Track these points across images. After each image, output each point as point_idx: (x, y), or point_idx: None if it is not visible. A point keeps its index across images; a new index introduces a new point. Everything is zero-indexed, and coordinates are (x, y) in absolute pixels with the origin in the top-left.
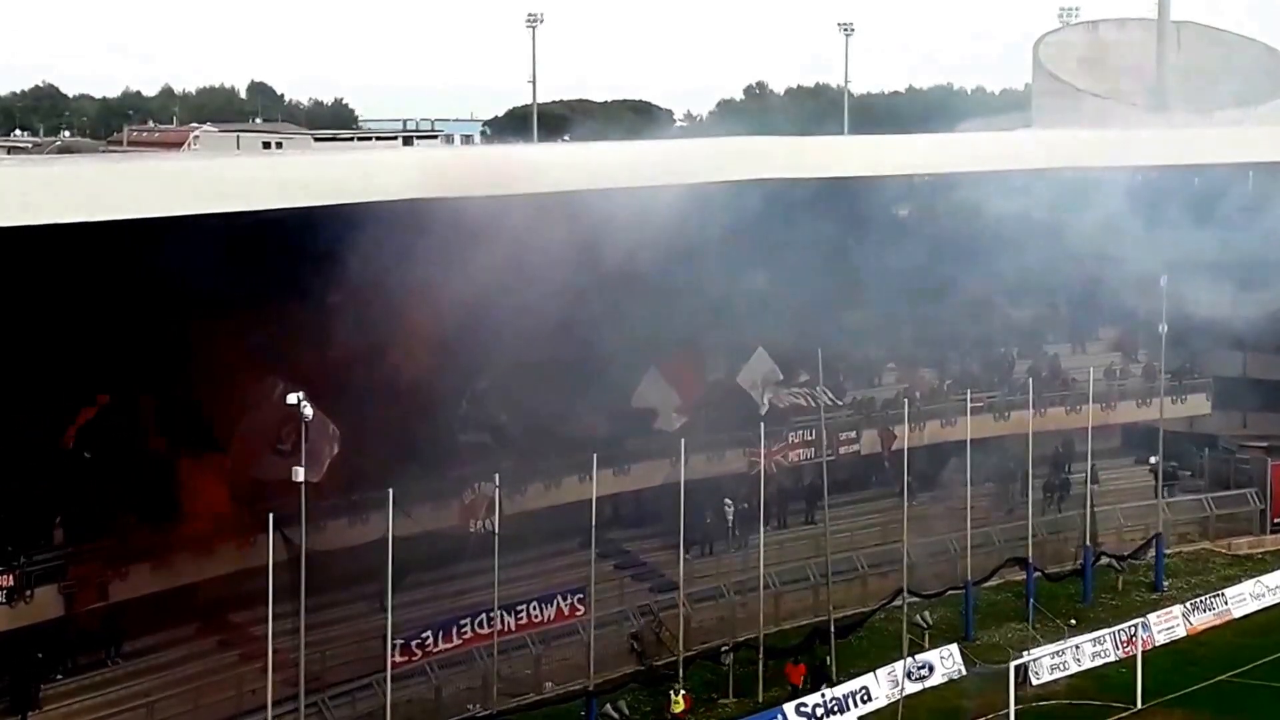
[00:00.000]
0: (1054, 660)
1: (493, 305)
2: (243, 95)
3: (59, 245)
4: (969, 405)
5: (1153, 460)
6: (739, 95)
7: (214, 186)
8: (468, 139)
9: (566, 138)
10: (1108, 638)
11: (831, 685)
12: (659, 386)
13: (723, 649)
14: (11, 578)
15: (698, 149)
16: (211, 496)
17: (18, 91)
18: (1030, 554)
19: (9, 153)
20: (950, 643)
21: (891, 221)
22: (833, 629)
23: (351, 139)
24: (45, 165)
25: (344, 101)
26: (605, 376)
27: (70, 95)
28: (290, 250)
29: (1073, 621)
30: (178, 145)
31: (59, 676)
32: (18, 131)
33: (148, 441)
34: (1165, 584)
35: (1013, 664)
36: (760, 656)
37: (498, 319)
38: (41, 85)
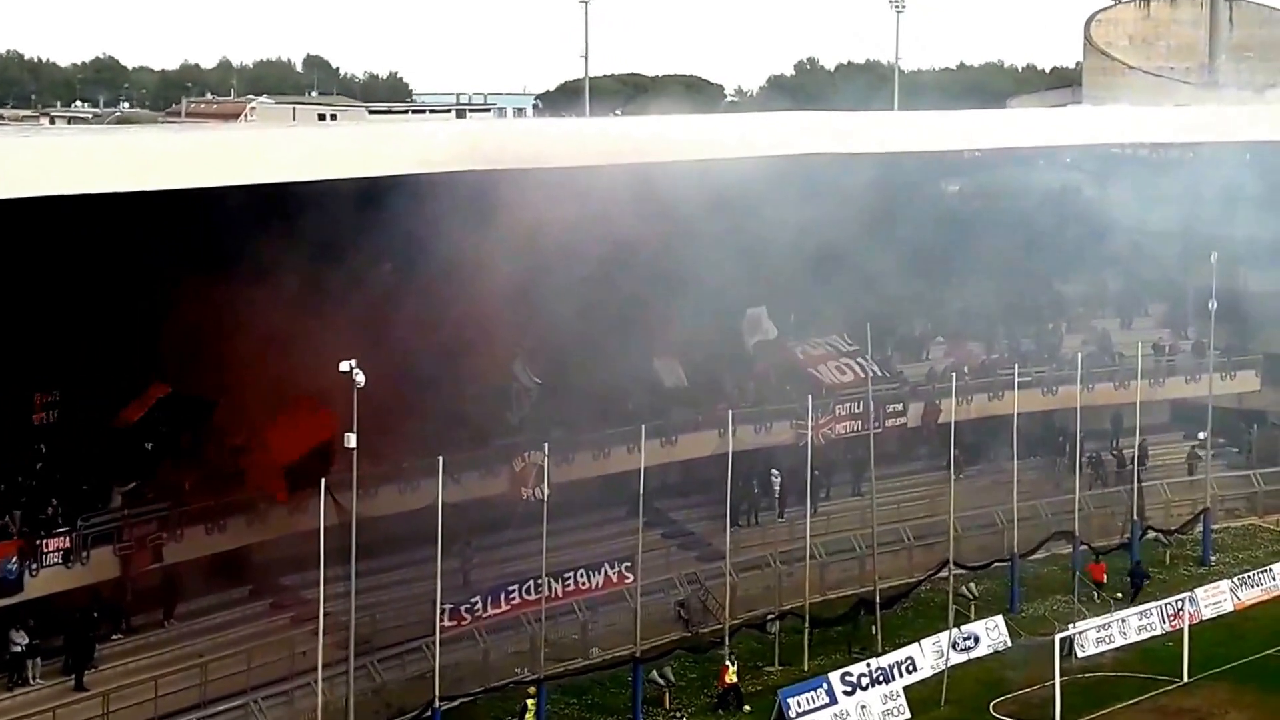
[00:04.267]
0: (1099, 633)
1: (546, 276)
2: (299, 68)
3: (109, 218)
4: (1017, 380)
5: (1201, 436)
6: (789, 70)
7: (268, 157)
8: (520, 112)
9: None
10: (1154, 611)
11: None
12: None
13: (768, 618)
14: (69, 539)
15: (748, 124)
16: (265, 460)
17: (78, 63)
18: (1076, 528)
19: (69, 123)
20: (996, 615)
21: (941, 197)
22: (878, 600)
23: (405, 112)
24: (103, 135)
25: (398, 75)
26: (655, 347)
27: (129, 67)
28: (341, 220)
29: (1118, 595)
30: (234, 117)
31: (115, 636)
32: (78, 103)
33: (210, 421)
34: (1213, 559)
35: (1058, 636)
36: (806, 626)
37: (550, 290)
38: (101, 57)
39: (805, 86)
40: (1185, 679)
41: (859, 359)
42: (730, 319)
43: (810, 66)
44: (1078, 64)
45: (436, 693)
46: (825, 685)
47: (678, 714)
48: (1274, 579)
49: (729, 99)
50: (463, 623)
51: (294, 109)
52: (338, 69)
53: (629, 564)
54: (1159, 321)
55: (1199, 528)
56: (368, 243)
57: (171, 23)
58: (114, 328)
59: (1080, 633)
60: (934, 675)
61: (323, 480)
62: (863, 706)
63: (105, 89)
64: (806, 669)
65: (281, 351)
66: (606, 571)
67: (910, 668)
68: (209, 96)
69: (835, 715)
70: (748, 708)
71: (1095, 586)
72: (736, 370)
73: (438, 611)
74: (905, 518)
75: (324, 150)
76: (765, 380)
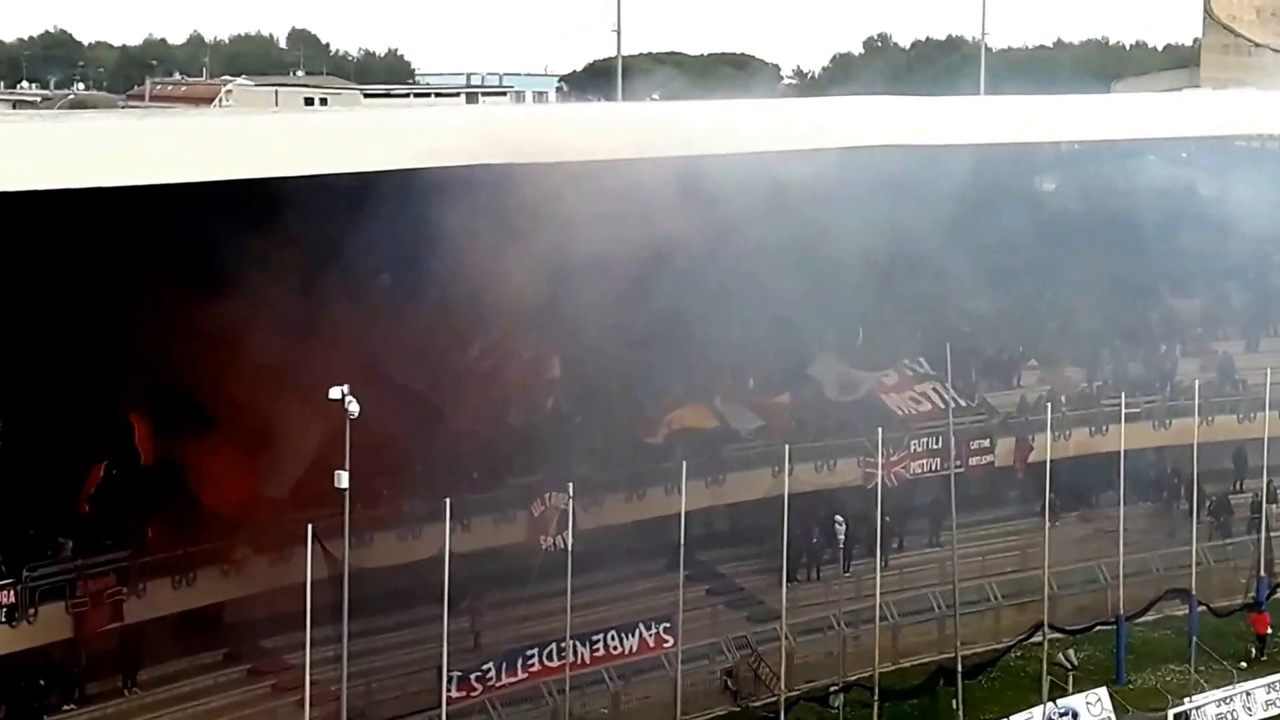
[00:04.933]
0: (1220, 709)
1: (572, 290)
2: (282, 44)
3: (59, 220)
4: (1123, 411)
5: None
6: (857, 49)
7: (248, 148)
8: (541, 96)
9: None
10: None
11: None
12: None
13: (831, 689)
14: (13, 594)
15: (805, 110)
16: (242, 502)
17: (25, 38)
18: (1193, 585)
19: (14, 107)
20: (1098, 686)
21: (1035, 196)
22: (960, 668)
23: (406, 95)
24: (56, 122)
25: (399, 52)
26: (696, 371)
27: (85, 43)
28: (332, 223)
29: (1242, 664)
30: (207, 101)
31: (67, 707)
32: (25, 84)
33: (171, 445)
34: None
35: (1171, 712)
36: (875, 699)
37: (577, 306)
38: (53, 31)
39: (875, 67)
40: None
41: (938, 386)
42: (788, 336)
43: (881, 44)
44: (1195, 41)
45: None
46: None
47: None
48: None
49: (786, 81)
50: (473, 693)
51: (276, 92)
52: (327, 45)
53: (668, 625)
54: None
55: None
56: (362, 250)
57: None
58: (65, 345)
59: (1198, 708)
60: None
61: (309, 526)
62: None
63: (57, 68)
64: None
65: (261, 376)
66: (641, 634)
67: None
68: (177, 77)
69: None
70: None
71: (1255, 642)
72: (797, 396)
73: (444, 680)
74: (992, 572)
75: (311, 141)
76: (828, 409)
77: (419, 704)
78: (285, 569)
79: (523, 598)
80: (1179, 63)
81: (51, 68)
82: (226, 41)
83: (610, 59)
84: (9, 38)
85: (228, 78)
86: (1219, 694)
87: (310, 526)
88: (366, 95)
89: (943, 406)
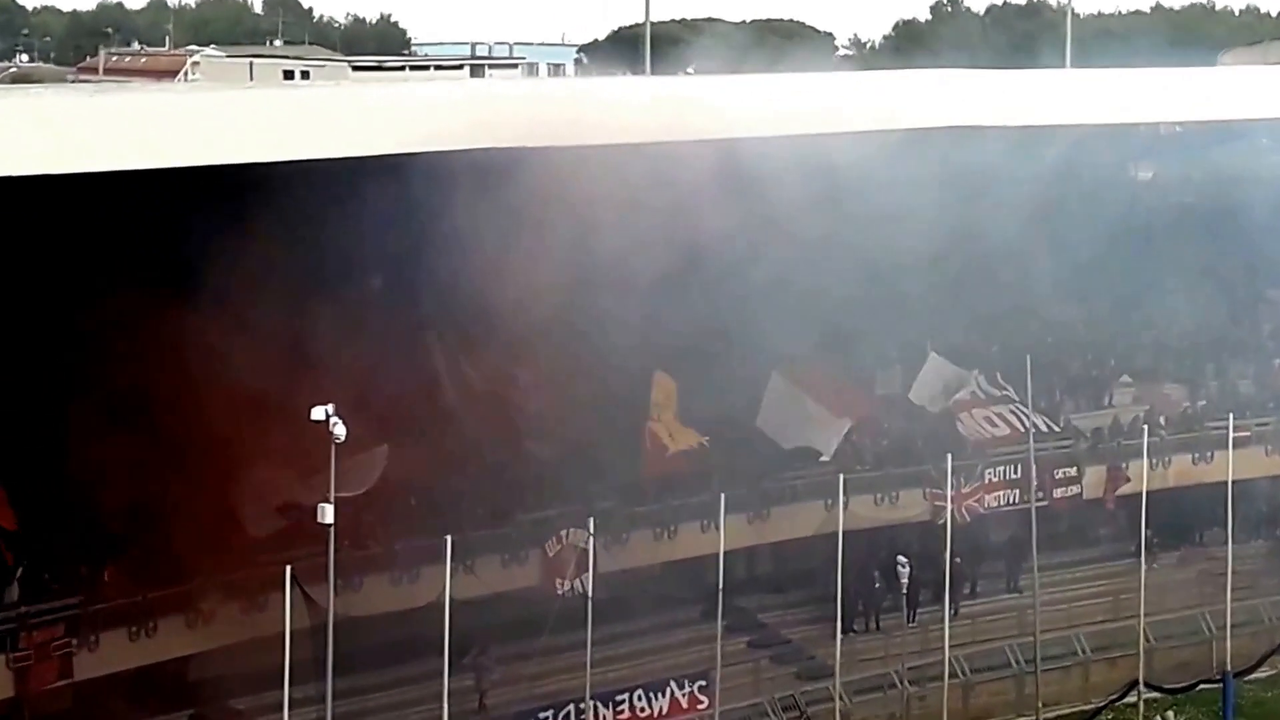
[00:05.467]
0: None
1: (588, 294)
2: (257, 9)
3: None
4: (1231, 435)
5: None
6: (922, 14)
7: (217, 130)
8: (557, 69)
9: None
10: None
11: None
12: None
13: None
14: None
15: (863, 86)
16: (210, 541)
17: None
18: None
19: None
20: None
21: (1129, 187)
22: None
23: (401, 68)
24: None
25: (392, 19)
26: (735, 386)
27: (29, 7)
28: (315, 219)
29: None
30: (171, 75)
31: None
32: None
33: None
34: None
35: None
36: None
37: (595, 313)
38: None
39: (944, 36)
40: None
41: (1016, 407)
42: (843, 349)
43: (950, 9)
44: None
45: None
46: None
47: None
48: None
49: (842, 52)
50: None
51: (251, 64)
52: (310, 10)
53: (704, 683)
54: None
55: None
56: (350, 250)
57: None
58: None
59: None
60: None
61: (288, 568)
62: None
63: None
64: None
65: (232, 395)
66: (673, 693)
67: None
68: (136, 47)
69: None
70: None
71: None
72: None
73: None
74: (1079, 622)
75: (290, 122)
76: (889, 433)
77: None
78: (260, 618)
79: (535, 651)
80: None
81: None
82: (193, 6)
83: (637, 26)
84: None
85: (194, 48)
86: None
87: (289, 568)
88: (355, 68)
89: (1022, 430)
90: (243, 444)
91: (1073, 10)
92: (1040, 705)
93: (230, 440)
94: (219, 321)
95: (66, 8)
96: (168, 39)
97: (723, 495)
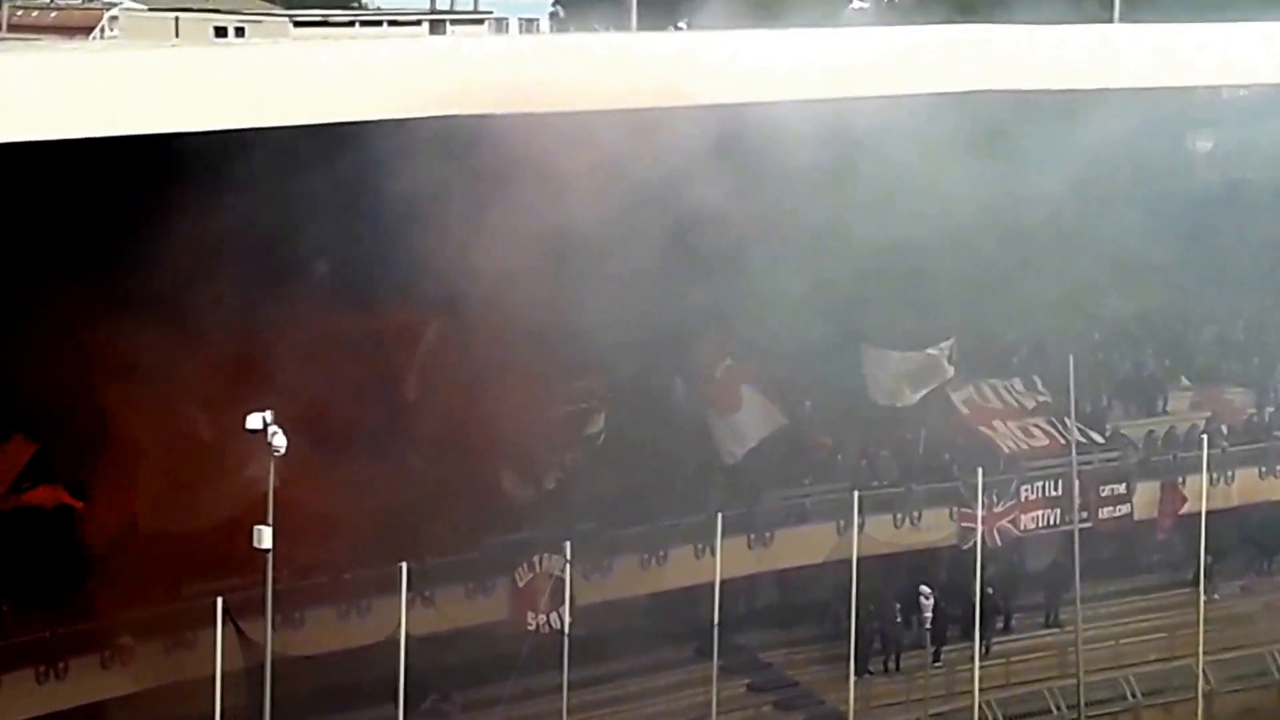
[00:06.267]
0: None
1: (572, 279)
2: None
3: None
4: None
5: None
6: None
7: (138, 95)
8: (530, 25)
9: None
10: None
11: None
12: None
13: None
14: None
15: (881, 43)
16: (128, 568)
17: None
18: None
19: None
20: None
21: (1186, 160)
22: None
23: (350, 24)
24: None
25: None
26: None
27: None
28: (251, 197)
29: None
30: (85, 33)
31: None
32: None
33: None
34: None
35: None
36: None
37: (573, 304)
38: None
39: None
40: None
41: (1056, 416)
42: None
43: None
44: None
45: None
46: None
47: None
48: None
49: (856, 5)
50: None
51: (177, 20)
52: None
53: None
54: None
55: None
56: (291, 233)
57: None
58: None
59: None
60: None
61: (218, 600)
62: None
63: None
64: None
65: (154, 400)
66: None
67: None
68: (45, 0)
69: None
70: None
71: None
72: (861, 422)
73: None
74: (1128, 661)
75: (222, 85)
76: (911, 443)
77: None
78: (187, 658)
79: (504, 696)
80: None
81: None
82: None
83: None
84: None
85: (111, 1)
86: None
87: (220, 600)
88: (296, 24)
89: (1064, 441)
90: (168, 454)
91: None
92: None
93: (154, 450)
94: (137, 316)
95: None
96: None
97: (719, 515)
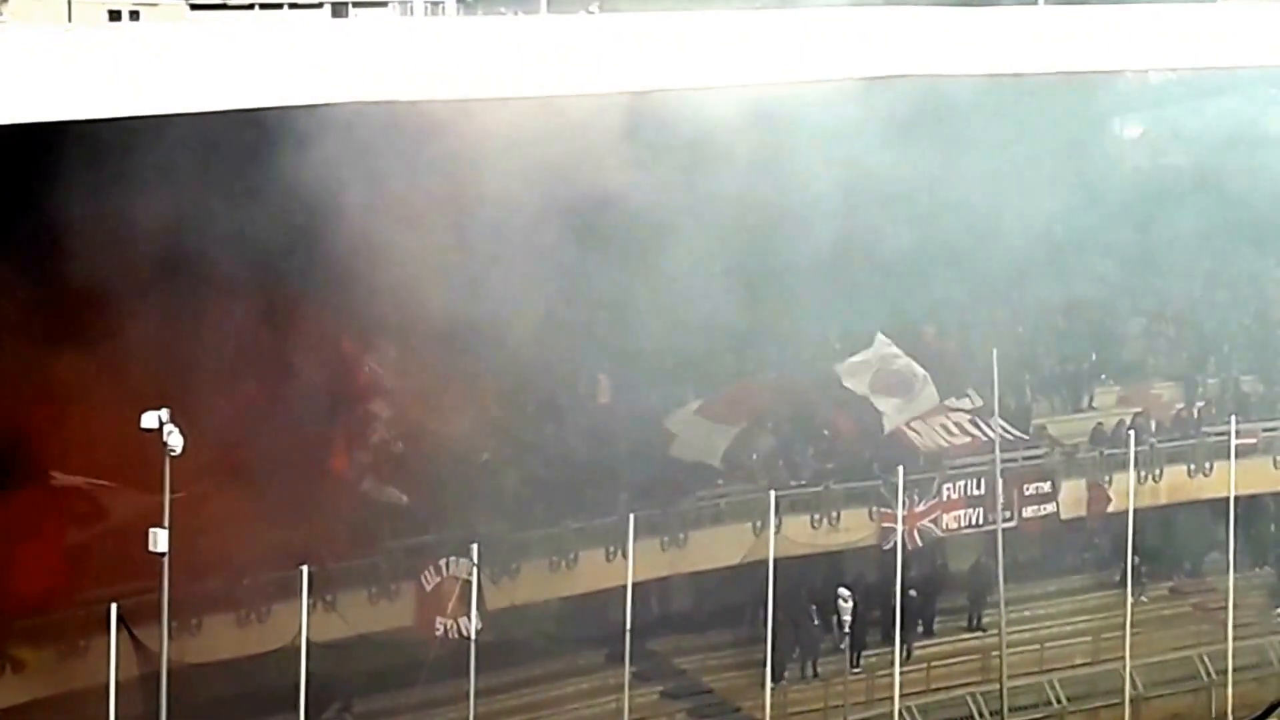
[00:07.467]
0: None
1: (473, 274)
2: None
3: None
4: (1233, 442)
5: None
6: None
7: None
8: (436, 8)
9: (594, 9)
10: None
11: None
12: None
13: None
14: None
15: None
16: (18, 576)
17: None
18: None
19: None
20: None
21: (1113, 146)
22: None
23: (250, 7)
24: None
25: None
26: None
27: None
28: (145, 185)
29: None
30: None
31: None
32: None
33: None
34: None
35: None
36: None
37: (481, 298)
38: None
39: None
40: None
41: (979, 413)
42: (768, 338)
43: None
44: None
45: None
46: None
47: None
48: None
49: None
50: None
51: (69, 2)
52: None
53: None
54: None
55: None
56: (186, 225)
57: None
58: None
59: None
60: None
61: (113, 607)
62: None
63: None
64: None
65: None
66: None
67: None
68: None
69: None
70: None
71: None
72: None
73: None
74: (1053, 665)
75: (116, 70)
76: (830, 441)
77: None
78: (79, 666)
79: (409, 704)
80: None
81: None
82: None
83: None
84: None
85: None
86: None
87: (115, 607)
88: (193, 7)
89: (986, 438)
90: (50, 453)
91: None
92: None
93: (37, 452)
94: (19, 307)
95: None
96: None
97: (631, 516)
